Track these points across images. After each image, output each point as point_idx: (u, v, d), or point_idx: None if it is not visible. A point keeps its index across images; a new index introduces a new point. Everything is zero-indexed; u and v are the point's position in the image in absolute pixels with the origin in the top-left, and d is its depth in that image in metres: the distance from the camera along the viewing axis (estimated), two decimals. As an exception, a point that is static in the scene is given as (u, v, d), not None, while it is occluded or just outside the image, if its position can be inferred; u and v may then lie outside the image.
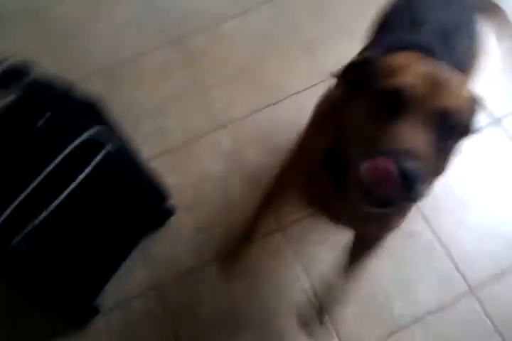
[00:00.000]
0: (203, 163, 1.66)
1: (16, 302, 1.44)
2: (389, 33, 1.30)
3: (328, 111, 0.99)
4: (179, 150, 1.70)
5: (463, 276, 1.48)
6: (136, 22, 1.98)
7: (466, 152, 1.58)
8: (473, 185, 1.62)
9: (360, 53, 1.20)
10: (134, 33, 1.95)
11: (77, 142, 1.04)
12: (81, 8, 2.04)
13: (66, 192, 1.04)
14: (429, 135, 0.72)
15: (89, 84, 1.19)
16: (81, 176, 1.05)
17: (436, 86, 0.75)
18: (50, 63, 1.23)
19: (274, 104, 1.75)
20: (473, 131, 0.81)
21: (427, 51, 0.91)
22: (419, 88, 0.75)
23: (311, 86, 1.77)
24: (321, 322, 1.37)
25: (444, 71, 0.79)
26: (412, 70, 0.78)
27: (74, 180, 1.05)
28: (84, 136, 1.05)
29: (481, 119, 0.80)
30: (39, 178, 0.99)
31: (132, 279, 1.50)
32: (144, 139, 1.64)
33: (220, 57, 1.88)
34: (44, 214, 1.00)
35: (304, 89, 1.76)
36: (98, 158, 1.09)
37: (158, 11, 2.00)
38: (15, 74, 1.09)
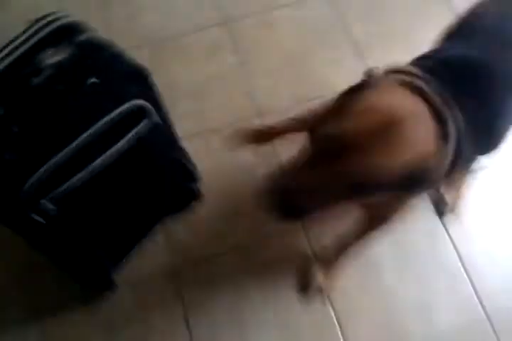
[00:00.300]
0: (235, 151, 1.62)
1: (36, 268, 1.44)
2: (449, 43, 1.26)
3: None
4: (213, 134, 1.67)
5: (481, 303, 1.43)
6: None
7: (501, 183, 1.53)
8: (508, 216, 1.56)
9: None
10: (186, 9, 1.93)
11: (120, 109, 1.01)
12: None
13: (101, 158, 1.01)
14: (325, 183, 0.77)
15: (134, 55, 1.16)
16: (119, 144, 1.02)
17: (357, 149, 0.75)
18: (97, 28, 1.19)
19: (316, 100, 1.70)
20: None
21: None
22: (338, 145, 0.76)
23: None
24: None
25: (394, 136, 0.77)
26: (355, 122, 0.78)
27: (111, 146, 1.02)
28: (129, 104, 1.02)
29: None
30: (78, 140, 0.95)
31: (150, 260, 1.49)
32: (180, 118, 1.60)
33: (268, 44, 1.85)
34: (77, 176, 0.97)
35: (349, 90, 1.72)
36: (138, 128, 1.06)
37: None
38: (67, 33, 1.06)
